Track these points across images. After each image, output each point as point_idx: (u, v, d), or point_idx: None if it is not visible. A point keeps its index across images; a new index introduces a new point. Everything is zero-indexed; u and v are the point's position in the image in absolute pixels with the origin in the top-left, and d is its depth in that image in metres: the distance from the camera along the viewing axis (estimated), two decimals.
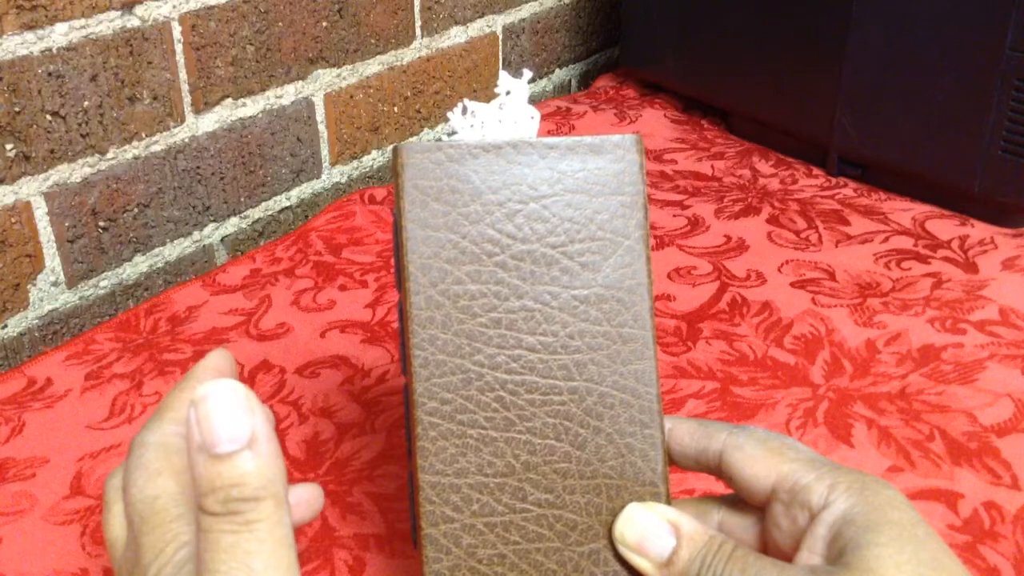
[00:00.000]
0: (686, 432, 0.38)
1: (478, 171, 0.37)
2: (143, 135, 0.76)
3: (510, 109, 0.38)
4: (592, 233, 0.38)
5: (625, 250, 0.38)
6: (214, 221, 0.84)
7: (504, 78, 0.39)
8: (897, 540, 0.31)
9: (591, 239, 0.38)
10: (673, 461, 0.39)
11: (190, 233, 0.83)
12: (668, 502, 0.37)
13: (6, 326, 0.71)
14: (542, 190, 0.38)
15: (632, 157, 0.38)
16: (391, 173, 0.88)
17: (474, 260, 0.37)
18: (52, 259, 0.73)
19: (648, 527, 0.35)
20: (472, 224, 0.37)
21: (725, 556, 0.33)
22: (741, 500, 0.38)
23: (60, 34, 0.69)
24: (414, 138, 1.02)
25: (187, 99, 0.79)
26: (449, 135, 0.39)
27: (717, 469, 0.37)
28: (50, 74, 0.69)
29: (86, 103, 0.72)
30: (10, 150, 0.68)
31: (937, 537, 0.33)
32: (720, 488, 0.54)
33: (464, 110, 0.39)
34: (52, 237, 0.72)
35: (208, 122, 0.81)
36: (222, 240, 0.86)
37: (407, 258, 0.37)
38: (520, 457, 0.36)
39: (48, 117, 0.70)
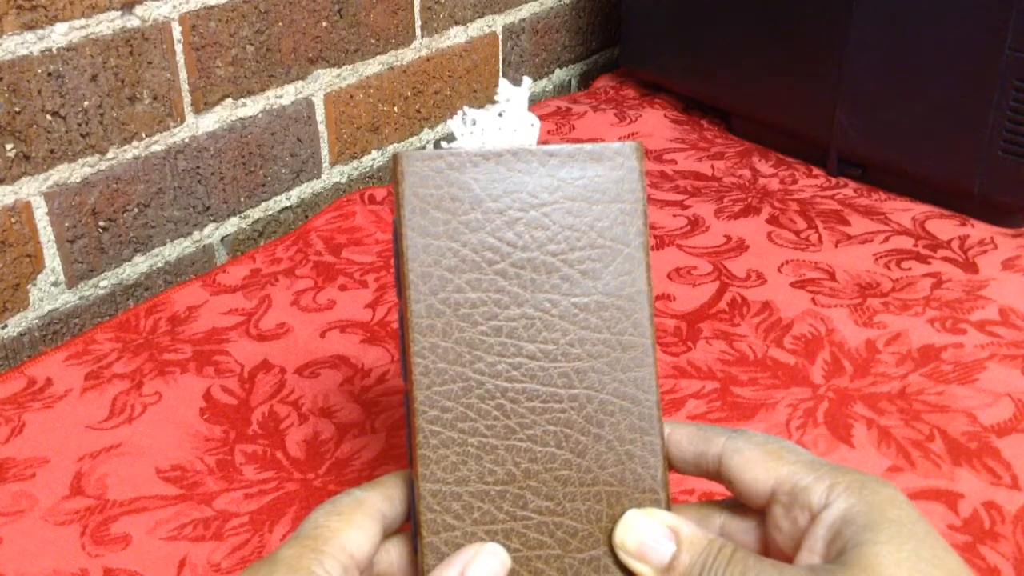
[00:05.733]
0: (684, 437, 0.38)
1: (478, 179, 0.37)
2: (143, 135, 0.76)
3: (510, 116, 0.38)
4: (592, 240, 0.38)
5: (625, 257, 0.38)
6: (214, 221, 0.84)
7: (504, 86, 0.39)
8: (897, 538, 0.32)
9: (591, 247, 0.38)
10: (672, 466, 0.39)
11: (190, 233, 0.83)
12: (668, 508, 0.37)
13: (6, 326, 0.71)
14: (542, 198, 0.38)
15: (632, 164, 0.38)
16: (391, 180, 0.88)
17: (474, 268, 0.37)
18: (52, 259, 0.73)
19: (648, 533, 0.35)
20: (472, 232, 0.37)
21: (725, 559, 0.33)
22: (742, 504, 0.38)
23: (60, 34, 0.69)
24: (414, 138, 1.02)
25: (187, 99, 0.79)
26: (448, 142, 0.39)
27: (716, 474, 0.37)
28: (50, 74, 0.69)
29: (86, 103, 0.72)
30: (10, 150, 0.68)
31: (937, 535, 0.33)
32: (719, 491, 0.54)
33: (464, 117, 0.39)
34: (52, 237, 0.72)
35: (208, 122, 0.81)
36: (222, 240, 0.86)
37: (407, 266, 0.37)
38: (521, 465, 0.36)
39: (48, 117, 0.70)
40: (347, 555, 0.34)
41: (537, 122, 0.39)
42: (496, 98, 0.38)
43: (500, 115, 0.38)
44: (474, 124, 0.39)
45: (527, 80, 0.40)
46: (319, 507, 0.36)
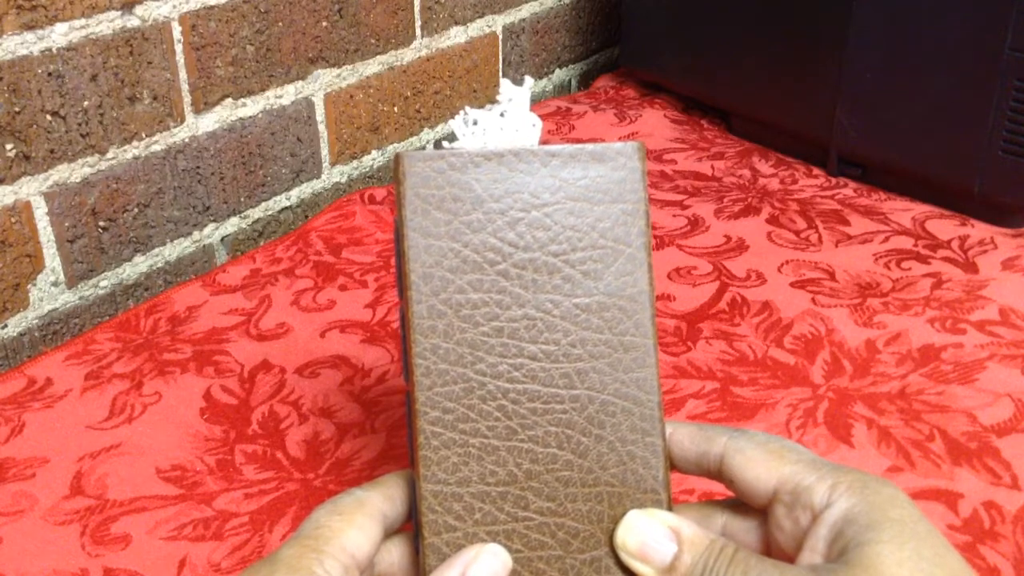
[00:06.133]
0: (686, 436, 0.38)
1: (480, 179, 0.37)
2: (143, 135, 0.76)
3: (512, 116, 0.38)
4: (594, 241, 0.38)
5: (627, 258, 0.38)
6: (214, 221, 0.84)
7: (506, 85, 0.39)
8: (898, 537, 0.32)
9: (593, 247, 0.38)
10: (674, 466, 0.39)
11: (190, 233, 0.82)
12: (670, 509, 0.37)
13: (6, 326, 0.71)
14: (544, 198, 0.37)
15: (634, 164, 0.38)
16: (392, 180, 0.88)
17: (476, 269, 0.37)
18: (52, 259, 0.73)
19: (649, 533, 0.35)
20: (474, 233, 0.37)
21: (727, 559, 0.33)
22: (743, 504, 0.38)
23: (60, 34, 0.69)
24: (414, 138, 1.02)
25: (187, 99, 0.79)
26: (450, 142, 0.39)
27: (718, 473, 0.37)
28: (50, 74, 0.69)
29: (86, 103, 0.72)
30: (10, 150, 0.68)
31: (939, 534, 0.33)
32: (720, 490, 0.54)
33: (466, 117, 0.39)
34: (52, 237, 0.72)
35: (208, 122, 0.81)
36: (222, 240, 0.86)
37: (409, 267, 0.37)
38: (522, 466, 0.36)
39: (48, 117, 0.70)
40: (348, 555, 0.34)
41: (539, 122, 0.39)
42: (498, 98, 0.38)
43: (502, 115, 0.38)
44: (475, 124, 0.39)
45: (529, 80, 0.40)
46: (320, 507, 0.36)
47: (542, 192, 0.37)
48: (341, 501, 0.36)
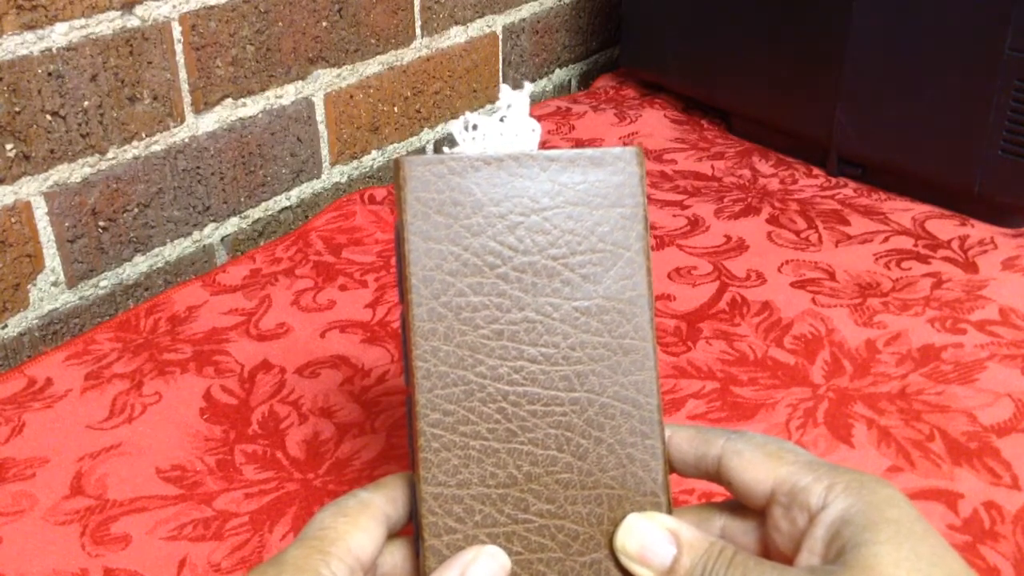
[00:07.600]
0: (685, 439, 0.38)
1: (480, 184, 0.37)
2: (143, 135, 0.76)
3: (511, 122, 0.38)
4: (593, 245, 0.38)
5: (625, 262, 0.38)
6: (214, 221, 0.84)
7: (505, 91, 0.39)
8: (895, 537, 0.32)
9: (592, 251, 0.38)
10: (673, 468, 0.39)
11: (190, 233, 0.83)
12: (669, 511, 0.37)
13: (6, 326, 0.71)
14: (543, 202, 0.38)
15: (632, 169, 0.38)
16: (393, 184, 0.88)
17: (476, 272, 0.37)
18: (52, 259, 0.73)
19: (648, 536, 0.35)
20: (474, 236, 0.37)
21: (726, 561, 0.33)
22: (742, 505, 0.38)
23: (60, 34, 0.69)
24: (414, 138, 1.02)
25: (187, 99, 0.79)
26: (450, 147, 0.39)
27: (716, 475, 0.38)
28: (50, 74, 0.69)
29: (86, 103, 0.72)
30: (10, 150, 0.68)
31: (936, 534, 0.33)
32: (719, 491, 0.54)
33: (466, 123, 0.39)
34: (52, 237, 0.72)
35: (208, 122, 0.81)
36: (222, 240, 0.86)
37: (409, 270, 0.37)
38: (522, 468, 0.37)
39: (48, 117, 0.70)
40: (353, 556, 0.34)
41: (538, 127, 0.39)
42: (497, 103, 0.39)
43: (501, 120, 0.39)
44: (475, 129, 0.39)
45: (528, 85, 0.40)
46: (324, 508, 0.36)
47: (541, 196, 0.38)
48: (345, 503, 0.36)
